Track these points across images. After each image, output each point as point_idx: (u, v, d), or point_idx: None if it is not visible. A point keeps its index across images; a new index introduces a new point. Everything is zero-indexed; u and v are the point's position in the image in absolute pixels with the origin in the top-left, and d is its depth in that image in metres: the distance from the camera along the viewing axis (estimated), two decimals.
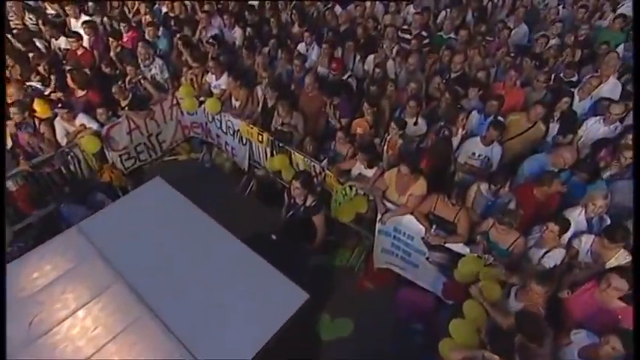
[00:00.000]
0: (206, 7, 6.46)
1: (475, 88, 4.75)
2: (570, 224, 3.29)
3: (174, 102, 5.39)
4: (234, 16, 6.23)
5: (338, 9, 6.98)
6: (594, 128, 4.53)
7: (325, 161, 4.34)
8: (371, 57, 5.61)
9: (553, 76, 5.39)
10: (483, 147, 4.18)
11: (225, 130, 5.31)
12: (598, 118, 4.54)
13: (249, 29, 6.11)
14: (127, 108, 4.99)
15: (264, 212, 4.66)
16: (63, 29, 6.04)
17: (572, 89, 5.06)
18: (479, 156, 4.24)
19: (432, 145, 4.31)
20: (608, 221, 3.48)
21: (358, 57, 5.73)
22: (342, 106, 4.68)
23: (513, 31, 6.46)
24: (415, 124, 4.55)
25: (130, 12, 6.75)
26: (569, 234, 3.36)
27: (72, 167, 4.71)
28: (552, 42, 5.96)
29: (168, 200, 3.31)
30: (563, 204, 3.66)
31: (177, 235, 3.03)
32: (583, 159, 4.10)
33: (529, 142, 4.50)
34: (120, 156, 5.07)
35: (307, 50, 5.78)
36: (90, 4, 6.40)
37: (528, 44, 6.17)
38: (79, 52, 5.60)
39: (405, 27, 6.38)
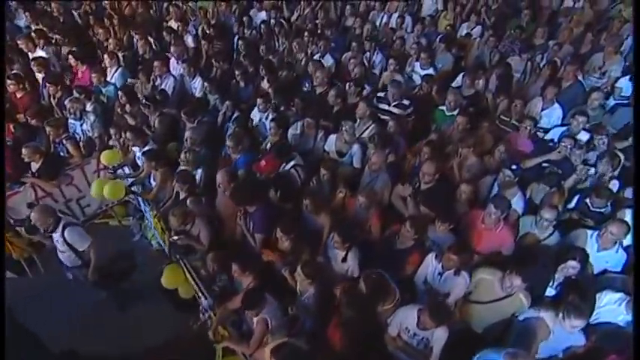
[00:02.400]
0: (173, 48, 5.69)
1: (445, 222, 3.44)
2: None
3: (101, 166, 4.74)
4: (193, 65, 5.39)
5: (329, 59, 5.88)
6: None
7: (209, 300, 3.36)
8: (332, 137, 4.49)
9: (575, 200, 3.90)
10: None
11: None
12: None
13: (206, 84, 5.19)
14: (36, 174, 4.41)
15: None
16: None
17: (594, 230, 3.55)
18: (414, 335, 3.01)
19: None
20: None
21: (321, 133, 4.63)
22: (256, 217, 3.63)
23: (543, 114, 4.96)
24: (344, 260, 3.41)
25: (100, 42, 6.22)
26: None
27: None
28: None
29: None
30: None
31: None
32: None
33: (500, 315, 3.16)
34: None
35: (260, 120, 4.79)
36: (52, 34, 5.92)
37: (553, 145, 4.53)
38: (18, 95, 5.13)
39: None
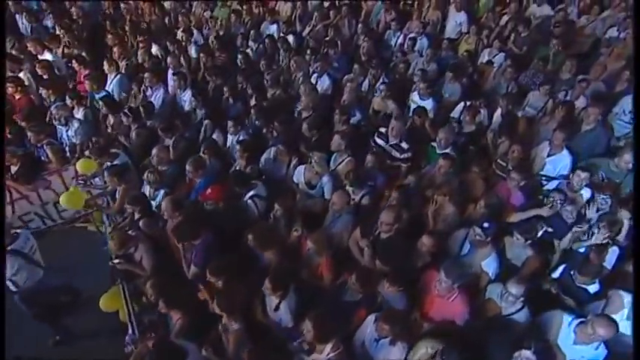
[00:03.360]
0: (169, 59, 5.71)
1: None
2: None
3: (78, 174, 4.81)
4: (184, 78, 5.36)
5: (326, 79, 5.65)
6: None
7: (133, 335, 3.24)
8: (301, 168, 4.26)
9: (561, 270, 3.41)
10: None
11: None
12: None
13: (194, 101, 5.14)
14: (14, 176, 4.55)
15: None
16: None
17: (574, 315, 3.03)
18: None
19: None
20: None
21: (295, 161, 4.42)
22: (197, 250, 3.47)
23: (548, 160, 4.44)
24: (276, 309, 3.17)
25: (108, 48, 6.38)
26: None
27: None
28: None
29: None
30: None
31: None
32: None
33: None
34: None
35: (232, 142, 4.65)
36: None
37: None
38: (17, 97, 5.35)
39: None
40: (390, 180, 4.33)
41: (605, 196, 3.83)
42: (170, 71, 5.77)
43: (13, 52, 6.01)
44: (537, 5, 7.41)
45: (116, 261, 3.50)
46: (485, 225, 3.37)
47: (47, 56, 5.87)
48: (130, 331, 3.33)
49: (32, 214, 4.83)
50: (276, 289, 3.08)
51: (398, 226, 3.45)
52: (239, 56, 6.00)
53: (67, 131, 4.96)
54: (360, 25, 6.94)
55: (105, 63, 5.68)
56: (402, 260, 3.40)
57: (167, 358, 2.70)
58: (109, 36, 6.36)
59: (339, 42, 6.50)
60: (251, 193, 3.93)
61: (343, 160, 4.38)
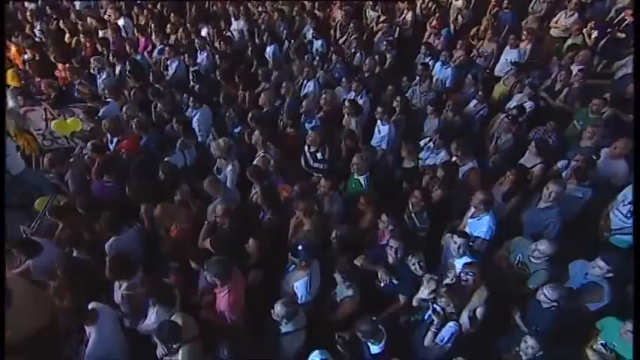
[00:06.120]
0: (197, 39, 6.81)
1: None
2: None
3: None
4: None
5: (311, 85, 5.96)
6: None
7: None
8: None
9: None
10: None
11: None
12: None
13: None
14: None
15: None
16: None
17: None
18: None
19: None
20: None
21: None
22: None
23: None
24: None
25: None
26: None
27: None
28: None
29: None
30: None
31: None
32: None
33: None
34: (39, 135, 6.39)
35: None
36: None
37: None
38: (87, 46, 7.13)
39: None
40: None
41: (470, 273, 3.37)
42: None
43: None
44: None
45: None
46: (299, 248, 3.41)
47: (121, 22, 7.59)
48: None
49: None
50: None
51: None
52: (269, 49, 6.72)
53: (99, 79, 6.44)
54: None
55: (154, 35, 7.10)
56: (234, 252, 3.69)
57: None
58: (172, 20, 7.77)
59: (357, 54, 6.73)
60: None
61: (259, 156, 4.74)
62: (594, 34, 7.42)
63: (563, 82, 6.04)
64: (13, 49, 7.32)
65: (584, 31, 7.47)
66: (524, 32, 7.21)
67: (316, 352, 2.92)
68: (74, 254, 3.75)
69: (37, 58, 6.86)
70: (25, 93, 6.17)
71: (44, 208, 4.60)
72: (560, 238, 3.95)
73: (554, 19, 8.06)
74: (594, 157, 4.74)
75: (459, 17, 8.19)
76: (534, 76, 6.33)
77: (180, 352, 2.98)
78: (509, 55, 6.88)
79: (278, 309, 3.08)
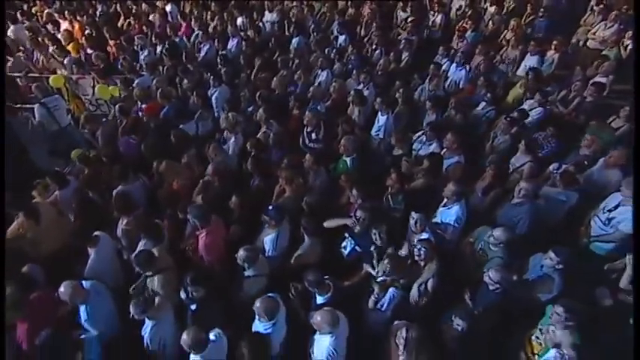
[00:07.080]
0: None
1: None
2: None
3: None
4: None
5: (324, 74, 6.41)
6: None
7: None
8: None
9: None
10: None
11: None
12: None
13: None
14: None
15: None
16: None
17: None
18: None
19: None
20: None
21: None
22: None
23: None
24: None
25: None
26: None
27: None
28: None
29: None
30: None
31: None
32: None
33: None
34: (86, 100, 7.36)
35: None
36: None
37: None
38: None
39: None
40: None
41: (424, 248, 3.65)
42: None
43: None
44: None
45: None
46: (270, 208, 3.88)
47: (168, 7, 8.49)
48: None
49: (103, 101, 7.40)
50: None
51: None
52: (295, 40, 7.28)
53: (141, 54, 7.32)
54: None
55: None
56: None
57: None
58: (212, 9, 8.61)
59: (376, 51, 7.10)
60: None
61: (261, 131, 5.28)
62: (630, 45, 7.22)
63: (576, 93, 6.00)
64: (77, 25, 8.46)
65: (621, 43, 7.30)
66: (555, 42, 7.16)
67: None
68: (89, 194, 4.49)
69: (94, 34, 7.90)
70: (79, 62, 7.13)
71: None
72: (541, 240, 4.09)
73: (593, 31, 7.93)
74: (586, 163, 4.79)
75: (490, 23, 8.29)
76: (553, 85, 6.35)
77: (156, 278, 3.55)
78: (529, 61, 6.91)
79: (240, 253, 3.56)
